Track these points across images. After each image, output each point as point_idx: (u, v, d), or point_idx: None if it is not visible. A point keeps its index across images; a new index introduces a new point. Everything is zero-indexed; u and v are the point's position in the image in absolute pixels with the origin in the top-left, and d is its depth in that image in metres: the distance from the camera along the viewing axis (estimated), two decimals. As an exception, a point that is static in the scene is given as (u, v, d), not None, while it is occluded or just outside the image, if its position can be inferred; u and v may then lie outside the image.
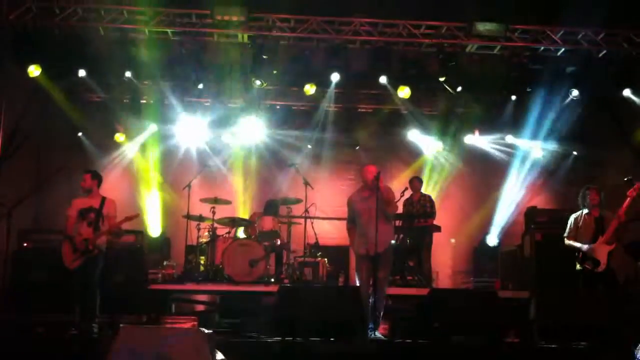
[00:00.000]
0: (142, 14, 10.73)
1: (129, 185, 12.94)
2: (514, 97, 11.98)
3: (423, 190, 11.92)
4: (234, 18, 10.58)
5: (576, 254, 8.65)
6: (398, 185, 11.36)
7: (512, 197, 13.40)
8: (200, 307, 11.34)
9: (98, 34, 10.88)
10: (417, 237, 11.27)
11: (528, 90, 11.75)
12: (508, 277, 11.38)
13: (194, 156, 13.32)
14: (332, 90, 12.18)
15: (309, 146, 13.51)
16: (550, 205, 13.00)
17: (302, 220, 11.19)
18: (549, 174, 13.67)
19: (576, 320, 7.61)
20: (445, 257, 13.15)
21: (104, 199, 8.56)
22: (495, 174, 13.65)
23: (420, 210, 11.41)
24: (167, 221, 12.85)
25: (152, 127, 12.94)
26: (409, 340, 7.41)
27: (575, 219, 8.85)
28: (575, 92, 11.64)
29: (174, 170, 13.13)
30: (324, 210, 12.30)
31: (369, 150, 13.60)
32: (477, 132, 13.40)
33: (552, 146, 13.31)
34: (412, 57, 11.45)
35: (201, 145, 13.34)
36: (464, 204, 13.62)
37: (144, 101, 12.67)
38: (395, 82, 11.55)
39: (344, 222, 8.73)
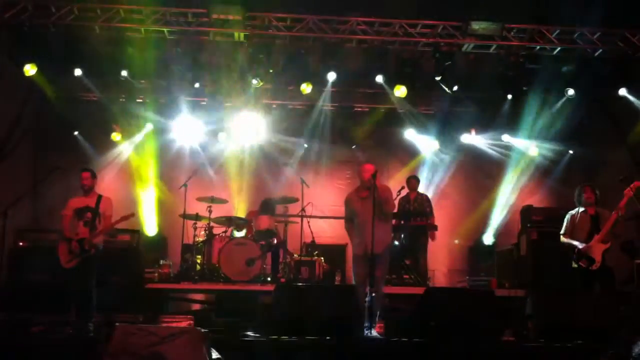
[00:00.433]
0: (138, 12, 10.72)
1: (125, 184, 12.93)
2: (510, 97, 12.01)
3: (420, 189, 11.93)
4: (230, 17, 10.57)
5: (572, 251, 8.67)
6: (395, 184, 11.36)
7: (508, 196, 13.41)
8: (197, 306, 11.35)
9: (94, 33, 10.85)
10: (413, 236, 11.28)
11: (524, 89, 11.77)
12: (504, 275, 11.39)
13: (190, 155, 13.31)
14: (328, 89, 12.18)
15: (306, 145, 13.52)
16: (546, 204, 13.01)
17: (298, 219, 11.20)
18: (545, 173, 13.68)
19: (572, 318, 7.62)
20: (441, 256, 13.16)
21: (100, 197, 8.57)
22: (491, 173, 13.67)
23: (417, 209, 11.43)
24: (163, 220, 12.84)
25: (148, 126, 12.96)
26: (405, 339, 7.39)
27: (572, 216, 8.87)
28: (571, 92, 11.66)
29: (170, 169, 13.13)
30: (321, 209, 12.33)
31: (365, 149, 13.63)
32: (473, 132, 13.43)
33: (548, 145, 13.32)
34: (409, 56, 11.46)
35: (197, 145, 13.33)
36: (460, 203, 13.65)
37: (140, 100, 12.69)
38: (392, 81, 11.58)
39: (341, 221, 8.73)
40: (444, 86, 11.66)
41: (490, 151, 13.67)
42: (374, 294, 7.90)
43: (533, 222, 11.05)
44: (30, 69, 10.69)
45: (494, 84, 11.78)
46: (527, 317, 7.99)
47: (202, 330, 5.98)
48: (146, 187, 13.02)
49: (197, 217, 11.01)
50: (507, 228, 13.08)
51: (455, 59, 11.30)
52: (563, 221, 8.96)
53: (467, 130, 13.39)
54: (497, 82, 11.69)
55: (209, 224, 10.97)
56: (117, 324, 5.90)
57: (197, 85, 11.74)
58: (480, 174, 13.73)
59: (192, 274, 10.62)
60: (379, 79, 11.48)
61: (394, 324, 9.03)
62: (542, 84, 11.62)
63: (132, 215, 8.80)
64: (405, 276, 10.97)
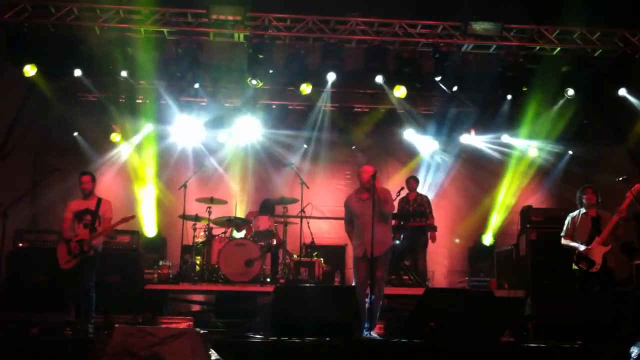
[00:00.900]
0: (137, 13, 10.72)
1: (124, 185, 12.91)
2: (509, 97, 11.99)
3: (419, 190, 11.92)
4: (230, 17, 10.56)
5: (572, 253, 8.67)
6: (394, 184, 11.38)
7: (508, 196, 13.40)
8: (196, 307, 11.35)
9: (94, 33, 10.85)
10: (412, 237, 11.28)
11: (524, 89, 11.75)
12: (504, 276, 11.39)
13: (189, 156, 13.30)
14: (328, 89, 12.19)
15: (305, 146, 13.51)
16: (546, 205, 13.03)
17: (298, 220, 11.20)
18: (545, 174, 13.68)
19: (572, 319, 7.63)
20: (441, 257, 13.17)
21: (99, 199, 8.59)
22: (491, 174, 13.65)
23: (416, 210, 11.43)
24: (162, 221, 12.82)
25: (147, 127, 12.93)
26: (404, 340, 7.40)
27: (572, 218, 8.87)
28: (570, 92, 11.65)
29: (170, 170, 13.11)
30: (320, 210, 12.34)
31: (365, 150, 13.63)
32: (472, 132, 13.40)
33: (547, 146, 13.31)
34: (408, 56, 11.42)
35: (197, 145, 13.31)
36: (459, 204, 13.63)
37: (140, 101, 12.67)
38: (391, 82, 11.57)
39: (340, 222, 8.73)
40: (443, 86, 11.68)
41: (489, 152, 13.64)
42: (374, 296, 7.91)
43: (532, 222, 11.04)
44: (29, 70, 10.68)
45: (493, 84, 11.79)
46: (527, 318, 8.00)
47: (202, 331, 5.97)
48: (145, 188, 13.00)
49: (196, 218, 11.00)
50: (507, 229, 13.08)
51: (455, 59, 11.30)
52: (563, 222, 8.97)
53: (467, 130, 13.36)
54: (496, 82, 11.69)
55: (208, 224, 10.96)
56: (116, 325, 5.89)
57: (196, 85, 11.76)
58: (479, 174, 13.71)
59: (191, 274, 10.62)
60: (379, 79, 11.48)
61: (393, 325, 9.06)
62: (542, 84, 11.61)
63: (133, 217, 8.82)
64: (405, 277, 10.97)
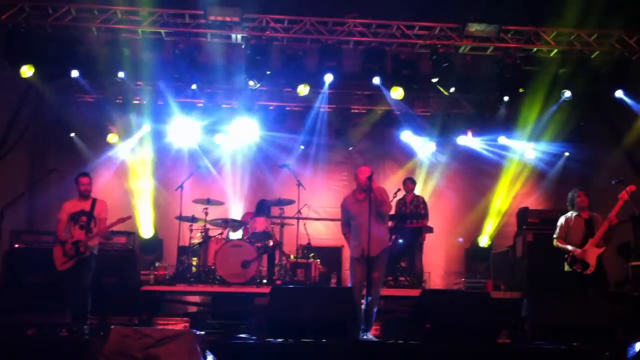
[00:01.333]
0: (135, 14, 10.73)
1: (121, 186, 12.89)
2: (506, 98, 12.00)
3: (416, 191, 11.93)
4: (228, 18, 10.57)
5: (565, 255, 8.68)
6: (391, 186, 11.38)
7: (504, 198, 13.41)
8: (193, 309, 11.33)
9: (91, 34, 10.87)
10: (409, 238, 11.28)
11: (521, 91, 11.75)
12: (500, 277, 11.39)
13: (186, 157, 13.29)
14: (325, 91, 12.19)
15: (302, 147, 13.51)
16: (542, 206, 13.05)
17: (294, 221, 11.20)
18: (541, 175, 13.69)
19: (568, 320, 7.63)
20: (437, 258, 13.18)
21: (94, 200, 8.57)
22: (487, 175, 13.65)
23: (413, 211, 11.43)
24: (159, 222, 12.81)
25: (145, 128, 12.92)
26: (400, 341, 7.40)
27: (566, 220, 8.88)
28: (567, 93, 11.67)
29: (167, 171, 13.10)
30: (317, 211, 12.34)
31: (362, 151, 13.65)
32: (470, 133, 13.41)
33: (544, 147, 13.32)
34: (406, 57, 11.45)
35: (194, 146, 13.31)
36: (456, 205, 13.63)
37: (137, 102, 12.67)
38: (389, 83, 11.57)
39: (337, 223, 8.74)
40: (440, 88, 11.67)
41: (486, 153, 13.66)
42: (370, 297, 7.92)
43: (529, 224, 11.05)
44: (27, 71, 10.66)
45: (490, 85, 11.79)
46: (523, 319, 8.01)
47: (198, 332, 5.98)
48: (142, 189, 12.99)
49: (193, 219, 10.99)
50: (503, 230, 13.09)
51: (452, 60, 11.31)
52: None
53: (464, 132, 13.38)
54: (493, 83, 11.69)
55: (204, 226, 10.95)
56: (112, 326, 5.89)
57: (194, 86, 11.75)
58: (476, 175, 13.71)
59: (188, 276, 10.62)
60: (376, 80, 11.46)
61: (390, 326, 9.06)
62: (539, 86, 11.61)
63: (129, 217, 8.80)
64: (401, 278, 10.98)
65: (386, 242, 8.35)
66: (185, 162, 13.22)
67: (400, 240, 11.12)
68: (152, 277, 10.46)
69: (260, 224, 10.75)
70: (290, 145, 13.39)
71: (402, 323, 8.60)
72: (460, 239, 13.44)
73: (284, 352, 6.78)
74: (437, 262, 13.22)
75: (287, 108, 13.39)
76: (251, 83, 11.47)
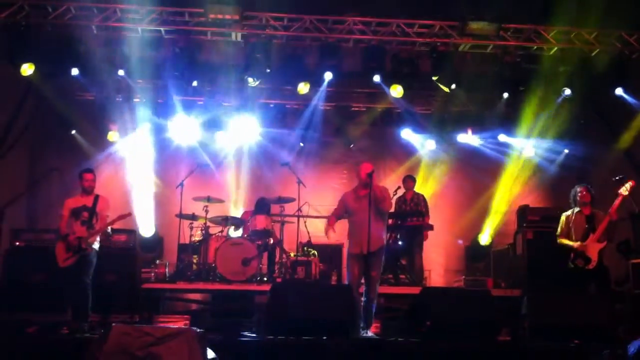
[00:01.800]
0: (135, 12, 10.70)
1: (121, 183, 12.89)
2: (506, 96, 12.00)
3: (416, 189, 11.94)
4: (228, 17, 10.56)
5: (569, 252, 8.68)
6: (391, 183, 11.36)
7: (504, 195, 13.41)
8: (193, 306, 11.35)
9: (91, 32, 10.84)
10: (409, 236, 11.29)
11: (521, 89, 11.77)
12: (500, 275, 11.40)
13: (186, 155, 13.29)
14: (325, 88, 12.18)
15: (302, 145, 13.50)
16: (542, 204, 13.04)
17: (294, 219, 11.19)
18: (541, 173, 13.69)
19: (568, 319, 7.64)
20: (437, 256, 13.18)
21: (97, 196, 8.57)
22: (487, 173, 13.65)
23: (413, 209, 11.44)
24: (159, 220, 12.80)
25: (145, 126, 12.91)
26: (400, 339, 7.42)
27: (567, 217, 8.89)
28: (567, 91, 11.68)
29: (167, 168, 13.11)
30: (317, 209, 12.30)
31: (362, 149, 13.62)
32: (470, 131, 13.41)
33: (544, 145, 13.32)
34: (406, 55, 11.45)
35: (194, 144, 13.30)
36: (456, 203, 13.63)
37: (137, 100, 12.67)
38: (389, 81, 11.57)
39: (338, 222, 8.68)
40: (440, 86, 11.67)
41: (486, 151, 13.66)
42: (368, 296, 7.93)
43: (529, 221, 11.05)
44: (27, 69, 10.66)
45: (490, 83, 11.78)
46: (523, 317, 8.01)
47: (198, 330, 5.99)
48: (142, 186, 12.99)
49: (193, 217, 11.01)
50: (503, 228, 13.08)
51: (452, 58, 11.30)
52: (559, 221, 8.98)
53: (464, 129, 13.38)
54: (493, 81, 11.68)
55: (205, 223, 10.96)
56: (113, 324, 5.90)
57: (194, 84, 11.74)
58: (476, 173, 13.69)
59: (188, 273, 10.63)
60: (376, 78, 11.47)
61: (389, 324, 9.06)
62: (539, 84, 11.61)
63: (129, 214, 8.81)
64: (401, 276, 10.98)
65: (382, 240, 8.32)
66: (185, 159, 13.19)
67: (400, 242, 11.12)
68: (152, 275, 10.45)
69: (261, 221, 10.77)
70: (290, 143, 13.39)
71: (402, 321, 8.60)
72: (460, 241, 13.44)
73: (284, 350, 6.80)
74: (438, 259, 13.23)
75: (287, 106, 13.39)
76: (251, 81, 11.47)
